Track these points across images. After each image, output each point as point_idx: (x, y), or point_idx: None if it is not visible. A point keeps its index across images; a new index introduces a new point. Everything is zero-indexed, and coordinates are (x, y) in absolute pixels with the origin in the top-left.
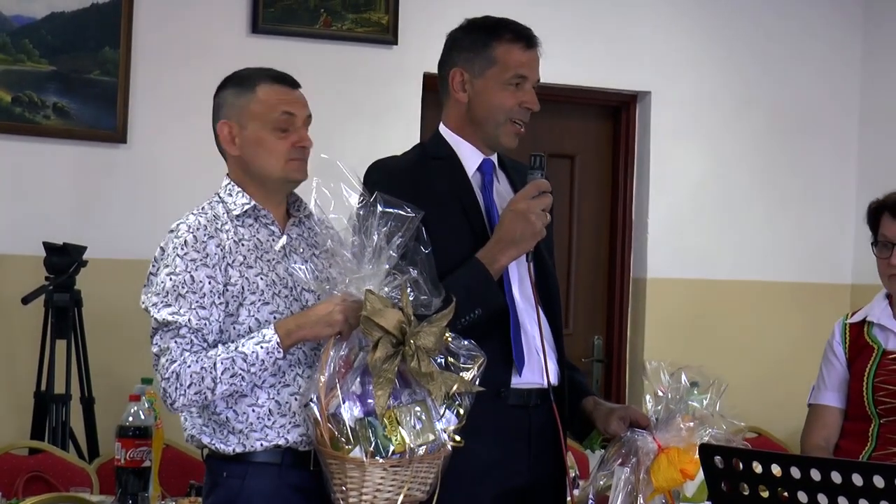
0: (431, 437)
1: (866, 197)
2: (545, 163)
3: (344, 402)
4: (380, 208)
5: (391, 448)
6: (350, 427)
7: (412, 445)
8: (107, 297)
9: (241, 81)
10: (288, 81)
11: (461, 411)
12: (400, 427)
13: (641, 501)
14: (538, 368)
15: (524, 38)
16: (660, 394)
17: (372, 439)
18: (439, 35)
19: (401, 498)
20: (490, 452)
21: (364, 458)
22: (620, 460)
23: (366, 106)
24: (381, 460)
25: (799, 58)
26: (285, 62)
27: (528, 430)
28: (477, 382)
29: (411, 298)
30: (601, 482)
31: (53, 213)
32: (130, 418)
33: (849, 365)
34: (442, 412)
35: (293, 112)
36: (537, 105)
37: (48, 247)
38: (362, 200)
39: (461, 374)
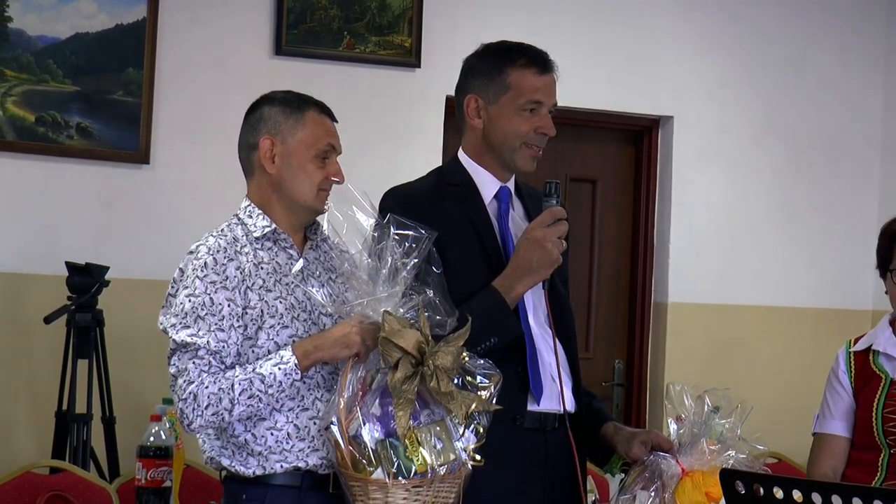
0: (452, 456)
1: None
2: (560, 190)
3: (364, 424)
4: (393, 230)
5: (413, 469)
6: (371, 449)
7: (434, 465)
8: (129, 317)
9: (289, 102)
10: (331, 114)
11: (480, 430)
12: (421, 447)
13: None
14: (555, 395)
15: (539, 62)
16: (683, 417)
17: (394, 460)
18: (462, 58)
19: None
20: (507, 477)
21: (387, 480)
22: (643, 484)
23: (388, 128)
24: (403, 481)
25: (821, 84)
26: (308, 84)
27: (545, 453)
28: (494, 401)
29: (427, 319)
30: None
31: (76, 233)
32: (151, 438)
33: (855, 394)
34: (461, 431)
35: (335, 146)
36: (553, 130)
37: (70, 266)
38: (376, 223)
39: (479, 392)
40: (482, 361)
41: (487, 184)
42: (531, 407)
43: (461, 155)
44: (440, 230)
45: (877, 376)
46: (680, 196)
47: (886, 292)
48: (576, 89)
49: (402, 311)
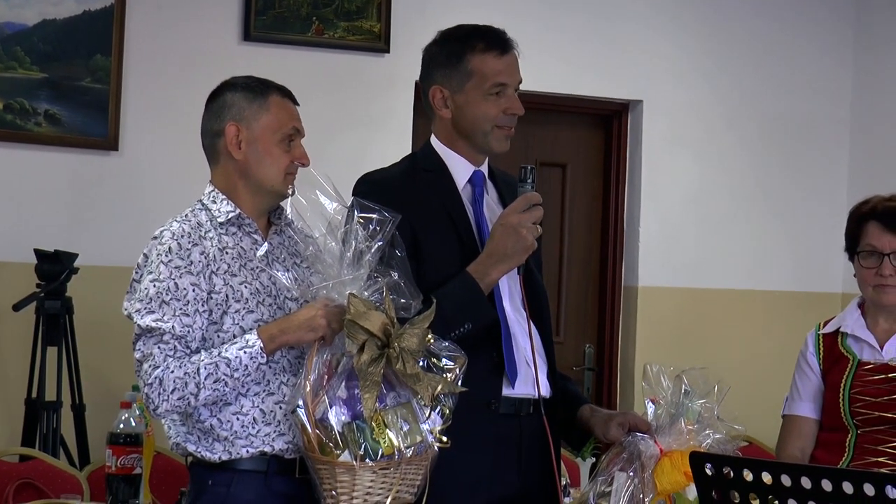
0: (419, 438)
1: None
2: (535, 175)
3: (331, 407)
4: (357, 213)
5: (380, 451)
6: (338, 431)
7: (401, 447)
8: (98, 305)
9: (252, 88)
10: (293, 98)
11: (446, 412)
12: (387, 429)
13: None
14: (530, 380)
15: (497, 44)
16: (661, 397)
17: (361, 442)
18: None
19: (389, 500)
20: (481, 462)
21: (354, 462)
22: (621, 465)
23: (357, 114)
24: (370, 463)
25: (790, 67)
26: (277, 70)
27: (519, 438)
28: (459, 382)
29: (392, 301)
30: (601, 488)
31: (45, 221)
32: (121, 425)
33: (823, 376)
34: (427, 413)
35: (298, 129)
36: (521, 109)
37: (39, 254)
38: (340, 206)
39: (444, 374)
40: (447, 344)
41: (461, 169)
42: (506, 391)
43: (433, 141)
44: (415, 216)
45: (844, 358)
46: (650, 180)
47: (855, 275)
48: (545, 73)
49: (366, 293)
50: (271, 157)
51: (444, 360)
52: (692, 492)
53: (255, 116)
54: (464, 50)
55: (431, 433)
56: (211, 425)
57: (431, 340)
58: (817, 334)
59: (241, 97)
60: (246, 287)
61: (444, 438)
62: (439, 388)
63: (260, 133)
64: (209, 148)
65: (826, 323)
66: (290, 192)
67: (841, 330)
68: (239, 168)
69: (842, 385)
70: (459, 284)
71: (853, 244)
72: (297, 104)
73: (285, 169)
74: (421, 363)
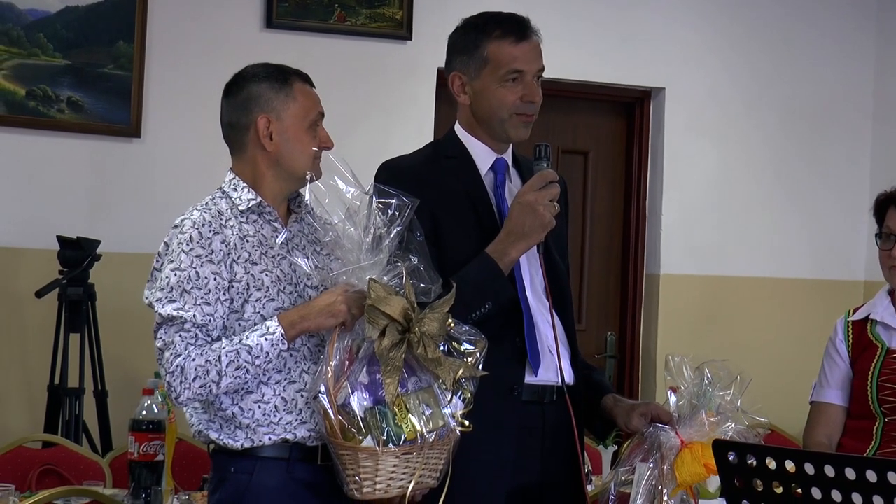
0: (441, 422)
1: None
2: (550, 152)
3: (353, 393)
4: (376, 198)
5: (403, 436)
6: (360, 417)
7: (423, 432)
8: (120, 291)
9: (275, 77)
10: (311, 81)
11: (468, 396)
12: (410, 414)
13: (665, 496)
14: (553, 367)
15: (514, 31)
16: (682, 388)
17: (384, 427)
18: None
19: (412, 484)
20: (504, 448)
21: (377, 447)
22: (642, 456)
23: (379, 101)
24: (393, 448)
25: (812, 54)
26: (299, 57)
27: (543, 425)
28: (480, 366)
29: (412, 286)
30: (622, 478)
31: (67, 208)
32: (143, 412)
33: (852, 363)
34: (449, 398)
35: (322, 113)
36: (538, 96)
37: (62, 241)
38: (359, 192)
39: (465, 358)
40: (467, 328)
41: (483, 156)
42: (529, 379)
43: (457, 128)
44: (436, 203)
45: (873, 345)
46: (671, 167)
47: None
48: (567, 61)
49: (386, 278)
50: (301, 145)
51: (464, 344)
52: (713, 483)
53: (283, 107)
54: (480, 37)
55: (453, 417)
56: (233, 413)
57: (452, 324)
58: (847, 321)
59: (266, 88)
60: (267, 275)
61: (467, 423)
62: (460, 372)
63: (290, 123)
64: (234, 139)
65: (856, 310)
66: (309, 177)
67: (870, 317)
68: (269, 158)
69: (870, 372)
70: (478, 265)
71: (879, 227)
72: (314, 86)
73: (314, 154)
74: (442, 347)
